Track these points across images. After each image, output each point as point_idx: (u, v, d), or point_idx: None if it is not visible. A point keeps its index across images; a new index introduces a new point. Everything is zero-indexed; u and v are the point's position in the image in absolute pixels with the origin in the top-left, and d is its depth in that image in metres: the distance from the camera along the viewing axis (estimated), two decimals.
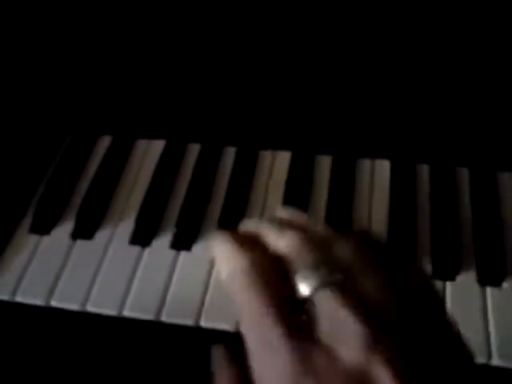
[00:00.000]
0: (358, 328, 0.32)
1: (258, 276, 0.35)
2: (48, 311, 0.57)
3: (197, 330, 0.55)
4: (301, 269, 0.35)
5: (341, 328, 0.33)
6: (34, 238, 0.62)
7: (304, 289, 0.35)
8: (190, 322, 0.55)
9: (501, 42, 0.64)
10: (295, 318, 0.34)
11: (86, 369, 0.54)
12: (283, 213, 0.42)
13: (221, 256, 0.39)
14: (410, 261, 0.40)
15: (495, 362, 0.51)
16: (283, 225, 0.39)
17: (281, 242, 0.37)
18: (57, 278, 0.58)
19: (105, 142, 0.70)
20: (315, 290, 0.34)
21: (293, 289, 0.35)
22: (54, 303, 0.57)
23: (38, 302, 0.57)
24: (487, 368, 0.51)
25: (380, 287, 0.34)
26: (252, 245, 0.38)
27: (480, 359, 0.51)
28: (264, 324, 0.34)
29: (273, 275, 0.36)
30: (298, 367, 0.32)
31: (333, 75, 0.69)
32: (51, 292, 0.57)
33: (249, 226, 0.42)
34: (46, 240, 0.62)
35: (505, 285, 0.56)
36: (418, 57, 0.66)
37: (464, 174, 0.64)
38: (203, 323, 0.55)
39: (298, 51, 0.68)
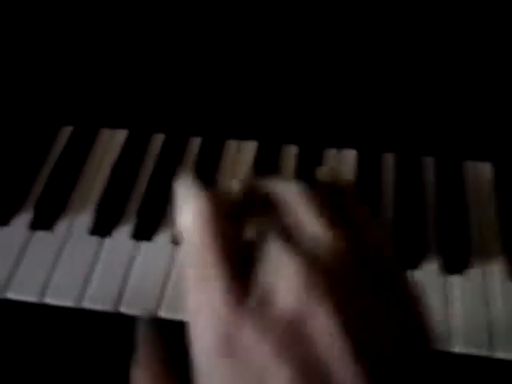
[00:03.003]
0: (296, 269, 0.31)
1: (210, 215, 0.34)
2: (4, 303, 0.55)
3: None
4: (253, 213, 0.36)
5: (280, 270, 0.32)
6: None
7: (253, 231, 0.35)
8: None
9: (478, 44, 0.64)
10: (240, 262, 0.33)
11: (43, 360, 0.53)
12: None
13: (182, 197, 0.37)
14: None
15: (457, 349, 0.51)
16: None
17: (237, 188, 0.37)
18: (14, 269, 0.57)
19: (67, 131, 0.69)
20: (263, 233, 0.34)
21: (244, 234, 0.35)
22: (10, 295, 0.55)
23: None
24: (450, 355, 0.51)
25: (329, 236, 0.33)
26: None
27: (442, 346, 0.51)
28: (207, 260, 0.33)
29: (226, 217, 0.35)
30: (231, 309, 0.31)
31: (299, 66, 0.68)
32: (8, 283, 0.56)
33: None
34: (4, 231, 0.60)
35: (468, 273, 0.55)
36: (385, 49, 0.66)
37: (429, 163, 0.64)
38: (163, 314, 0.54)
39: (267, 41, 0.68)
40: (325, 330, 0.30)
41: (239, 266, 0.33)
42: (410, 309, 0.33)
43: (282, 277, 0.32)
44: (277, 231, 0.34)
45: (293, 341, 0.30)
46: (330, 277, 0.31)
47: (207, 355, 0.32)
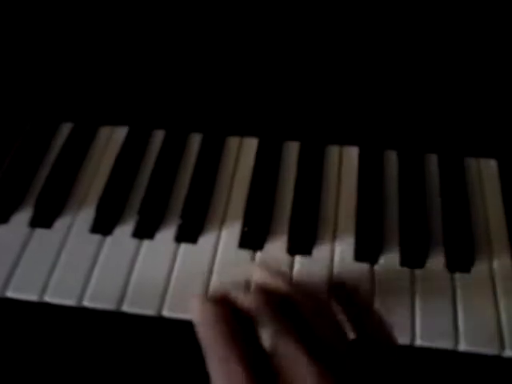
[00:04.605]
0: (308, 367, 0.38)
1: (223, 328, 0.41)
2: (4, 302, 0.55)
3: (159, 320, 0.53)
4: (261, 324, 0.42)
5: (295, 370, 0.38)
6: None
7: (265, 340, 0.41)
8: (151, 311, 0.53)
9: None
10: (259, 365, 0.39)
11: (44, 360, 0.53)
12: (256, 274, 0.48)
13: (195, 311, 0.44)
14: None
15: (462, 347, 0.50)
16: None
17: (246, 302, 0.43)
18: (14, 268, 0.56)
19: (66, 128, 0.68)
20: (273, 341, 0.40)
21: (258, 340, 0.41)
22: (10, 294, 0.55)
23: None
24: (454, 354, 0.50)
25: (331, 338, 0.41)
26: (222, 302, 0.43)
27: (448, 345, 0.50)
28: (229, 368, 0.39)
29: (238, 328, 0.41)
30: None
31: (301, 62, 0.68)
32: (8, 282, 0.55)
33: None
34: (4, 229, 0.59)
35: (473, 271, 0.55)
36: (387, 46, 0.66)
37: (432, 160, 0.64)
38: (165, 313, 0.53)
39: (267, 36, 0.67)
40: None
41: (257, 369, 0.39)
42: None
43: (299, 375, 0.38)
44: (292, 342, 0.39)
45: None
46: (338, 377, 0.38)
47: None
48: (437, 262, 0.56)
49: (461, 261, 0.56)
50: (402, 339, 0.51)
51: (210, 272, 0.55)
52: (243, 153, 0.65)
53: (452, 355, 0.50)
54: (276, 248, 0.57)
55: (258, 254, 0.57)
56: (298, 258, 0.56)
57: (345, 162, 0.64)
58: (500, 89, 0.64)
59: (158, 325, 0.53)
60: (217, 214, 0.60)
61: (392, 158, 0.64)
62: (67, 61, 0.69)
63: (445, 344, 0.50)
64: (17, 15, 0.69)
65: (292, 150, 0.65)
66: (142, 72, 0.69)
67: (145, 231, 0.58)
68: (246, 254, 0.57)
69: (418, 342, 0.51)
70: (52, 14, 0.68)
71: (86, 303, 0.54)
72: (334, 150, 0.65)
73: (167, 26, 0.67)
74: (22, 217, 0.60)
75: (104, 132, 0.68)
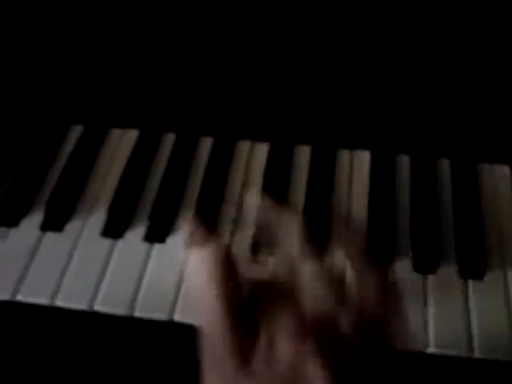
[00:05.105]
0: (292, 321, 0.37)
1: (216, 275, 0.39)
2: (15, 306, 0.54)
3: (170, 325, 0.53)
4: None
5: (280, 324, 0.37)
6: (1, 230, 0.59)
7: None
8: (163, 316, 0.53)
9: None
10: (245, 318, 0.38)
11: (54, 364, 0.52)
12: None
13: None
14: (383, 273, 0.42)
15: (477, 354, 0.50)
16: None
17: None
18: (25, 272, 0.56)
19: (76, 131, 0.67)
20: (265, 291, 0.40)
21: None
22: (21, 297, 0.54)
23: (5, 296, 0.54)
24: (470, 361, 0.50)
25: (323, 300, 0.39)
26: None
27: (462, 352, 0.50)
28: (214, 319, 0.37)
29: (229, 276, 0.39)
30: (238, 361, 0.36)
31: (312, 66, 0.67)
32: (18, 286, 0.55)
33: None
34: (15, 232, 0.59)
35: (486, 278, 0.55)
36: (400, 51, 0.65)
37: (445, 166, 0.63)
38: (177, 317, 0.53)
39: (276, 40, 0.67)
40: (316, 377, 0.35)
41: (244, 319, 0.38)
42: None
43: (282, 327, 0.37)
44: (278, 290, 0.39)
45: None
46: (323, 335, 0.37)
47: None
48: (449, 268, 0.55)
49: (473, 268, 0.55)
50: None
51: None
52: (254, 157, 0.65)
53: (466, 362, 0.50)
54: None
55: None
56: None
57: (356, 166, 0.64)
58: None
59: (169, 329, 0.53)
60: (227, 219, 0.60)
61: (404, 163, 0.64)
62: (77, 63, 0.69)
63: (458, 351, 0.50)
64: (25, 18, 0.68)
65: (303, 154, 0.65)
66: (153, 75, 0.69)
67: (156, 235, 0.58)
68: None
69: (431, 350, 0.50)
70: (60, 17, 0.68)
71: (98, 307, 0.54)
72: (345, 155, 0.65)
73: (178, 31, 0.67)
74: (33, 220, 0.60)
75: (114, 135, 0.67)
